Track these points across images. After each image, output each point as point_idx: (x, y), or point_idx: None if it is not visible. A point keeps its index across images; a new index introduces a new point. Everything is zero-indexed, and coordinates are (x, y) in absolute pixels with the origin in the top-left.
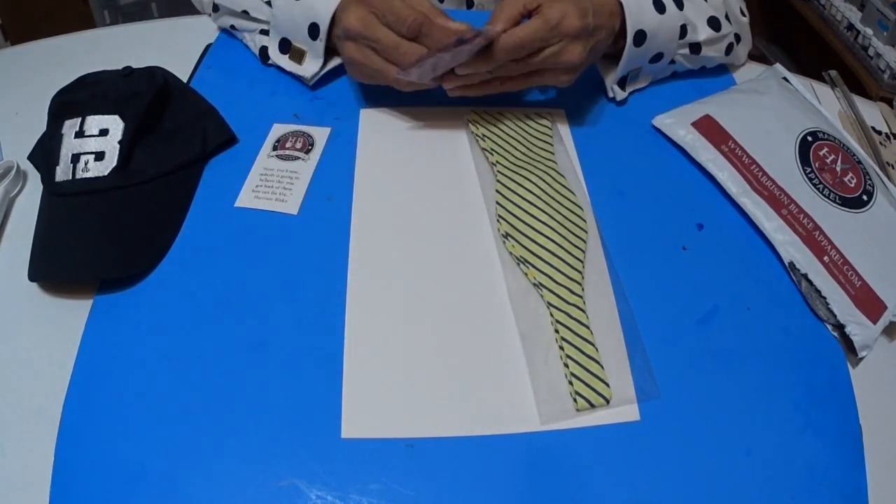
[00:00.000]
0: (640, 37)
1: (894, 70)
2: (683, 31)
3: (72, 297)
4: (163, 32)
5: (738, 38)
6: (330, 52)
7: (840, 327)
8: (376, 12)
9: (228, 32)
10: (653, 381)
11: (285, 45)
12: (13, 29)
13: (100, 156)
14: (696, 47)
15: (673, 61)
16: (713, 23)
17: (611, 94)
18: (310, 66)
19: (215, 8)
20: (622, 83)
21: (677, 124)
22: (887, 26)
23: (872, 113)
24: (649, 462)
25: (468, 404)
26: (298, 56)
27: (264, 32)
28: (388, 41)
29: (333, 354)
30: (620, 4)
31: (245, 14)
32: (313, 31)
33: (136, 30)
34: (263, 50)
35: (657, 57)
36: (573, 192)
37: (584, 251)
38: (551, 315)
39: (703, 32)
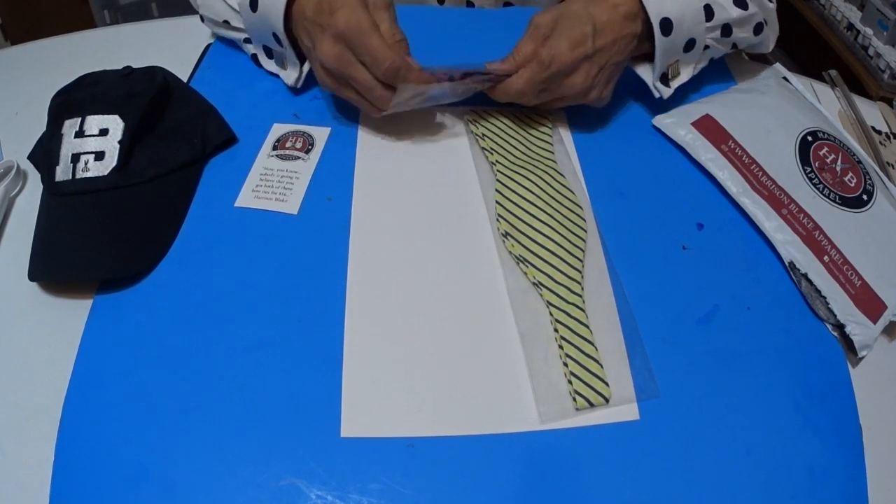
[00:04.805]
0: (667, 25)
1: (894, 70)
2: (709, 12)
3: (72, 297)
4: (163, 32)
5: (765, 21)
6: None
7: (840, 327)
8: (352, 49)
9: None
10: (653, 380)
11: (269, 51)
12: (13, 29)
13: (100, 155)
14: (727, 29)
15: (707, 47)
16: (739, 2)
17: (657, 95)
18: (291, 73)
19: (202, 18)
20: (664, 80)
21: (677, 124)
22: (887, 26)
23: (872, 113)
24: (649, 462)
25: (468, 404)
26: (282, 61)
27: (248, 41)
28: (365, 83)
29: (333, 354)
30: (640, 3)
31: (227, 24)
32: (276, 39)
33: (136, 30)
34: (254, 57)
35: (690, 44)
36: (573, 192)
37: (583, 250)
38: (551, 314)
39: (732, 11)
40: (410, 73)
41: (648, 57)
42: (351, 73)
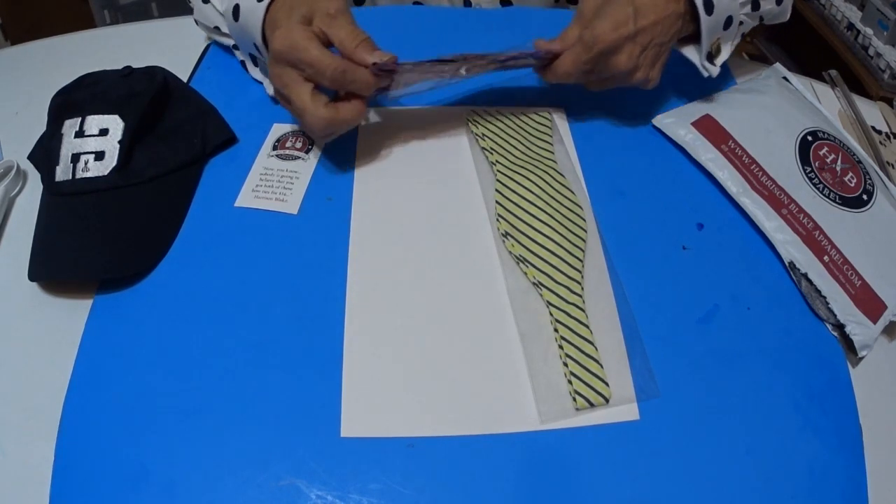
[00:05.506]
0: (709, 4)
1: (894, 70)
2: None
3: (72, 297)
4: (163, 32)
5: None
6: None
7: (840, 327)
8: (294, 66)
9: None
10: (653, 380)
11: (255, 59)
12: (13, 29)
13: (100, 155)
14: (755, 4)
15: (741, 23)
16: None
17: (705, 74)
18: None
19: (196, 21)
20: (709, 59)
21: (677, 124)
22: (887, 26)
23: (872, 112)
24: (649, 462)
25: (468, 403)
26: (266, 69)
27: (237, 47)
28: (297, 107)
29: (333, 354)
30: None
31: (217, 30)
32: (259, 51)
33: (136, 30)
34: (243, 63)
35: (728, 22)
36: (573, 192)
37: (583, 250)
38: (551, 314)
39: None
40: (357, 73)
41: (690, 38)
42: (287, 93)
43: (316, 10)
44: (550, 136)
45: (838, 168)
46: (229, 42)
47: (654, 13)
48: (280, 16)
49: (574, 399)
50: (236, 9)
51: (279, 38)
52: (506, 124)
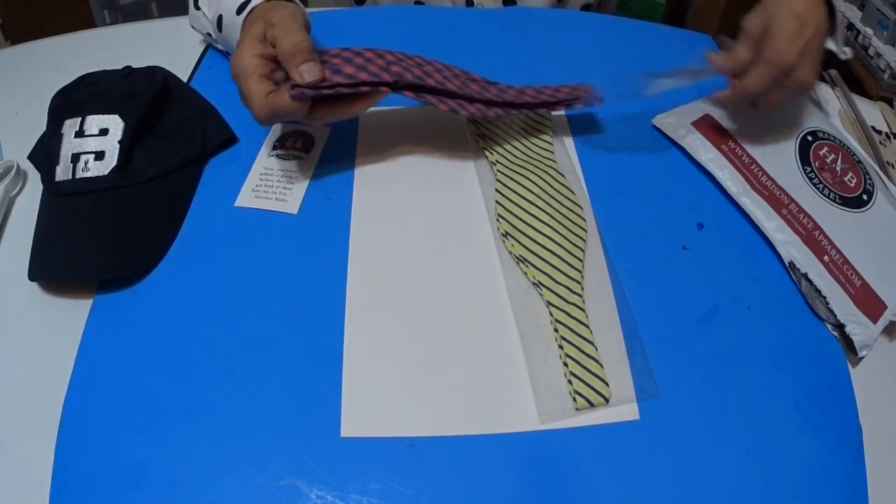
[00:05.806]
0: None
1: (894, 70)
2: None
3: (72, 297)
4: (163, 32)
5: None
6: None
7: (840, 327)
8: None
9: None
10: (653, 380)
11: None
12: (13, 29)
13: (100, 155)
14: None
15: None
16: None
17: (843, 57)
18: None
19: (192, 26)
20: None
21: (677, 124)
22: (887, 26)
23: (872, 112)
24: (649, 462)
25: (468, 404)
26: None
27: (228, 53)
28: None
29: (333, 354)
30: None
31: (209, 36)
32: None
33: (136, 30)
34: None
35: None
36: (573, 192)
37: (583, 250)
38: (551, 314)
39: None
40: (286, 106)
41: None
42: (247, 106)
43: (265, 21)
44: (550, 136)
45: (838, 168)
46: (221, 48)
47: (814, 20)
48: (243, 32)
49: (574, 399)
50: (220, 19)
51: (233, 59)
52: (506, 124)
